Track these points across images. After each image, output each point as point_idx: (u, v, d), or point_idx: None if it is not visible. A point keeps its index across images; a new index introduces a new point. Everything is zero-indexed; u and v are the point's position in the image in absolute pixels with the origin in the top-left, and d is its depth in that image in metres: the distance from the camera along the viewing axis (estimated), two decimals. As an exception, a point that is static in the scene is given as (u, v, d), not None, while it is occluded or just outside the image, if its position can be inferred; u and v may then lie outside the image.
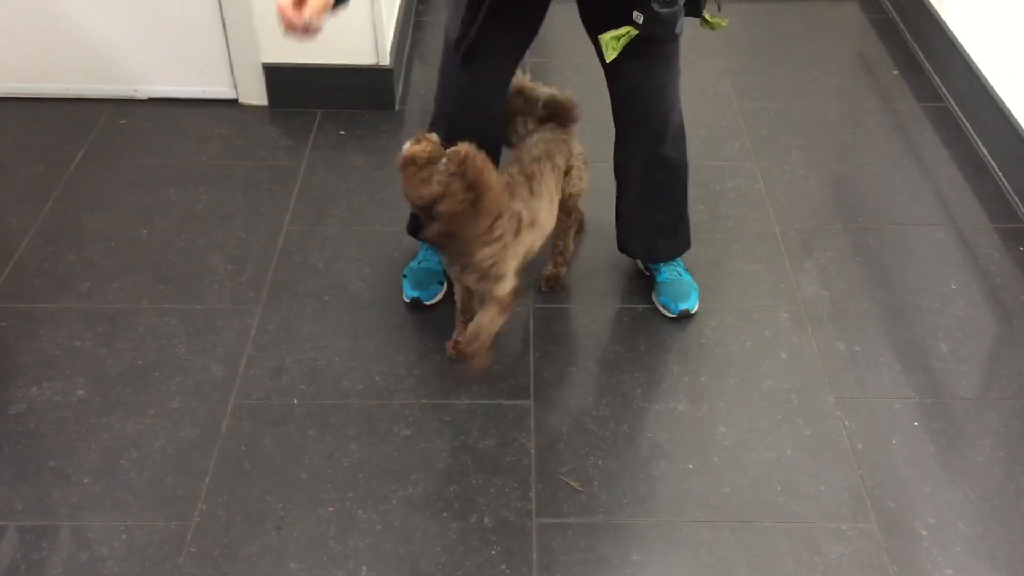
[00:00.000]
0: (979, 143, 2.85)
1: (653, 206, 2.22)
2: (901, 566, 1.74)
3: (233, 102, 2.98)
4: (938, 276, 2.39)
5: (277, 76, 2.92)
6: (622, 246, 2.32)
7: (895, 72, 3.23)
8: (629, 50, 1.88)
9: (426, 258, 2.30)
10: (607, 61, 1.91)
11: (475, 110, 2.04)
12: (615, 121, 2.14)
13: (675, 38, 1.91)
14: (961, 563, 1.75)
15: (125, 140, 2.83)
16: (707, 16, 1.93)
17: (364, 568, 1.73)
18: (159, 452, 1.92)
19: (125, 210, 2.56)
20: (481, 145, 1.93)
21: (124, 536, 1.77)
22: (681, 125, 2.15)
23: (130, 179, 2.67)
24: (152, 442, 1.94)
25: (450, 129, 1.99)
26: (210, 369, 2.10)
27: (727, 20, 1.94)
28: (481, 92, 2.03)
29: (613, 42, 1.86)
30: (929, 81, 3.16)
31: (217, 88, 2.97)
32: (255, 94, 2.96)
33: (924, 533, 1.79)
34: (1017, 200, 2.62)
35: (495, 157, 2.19)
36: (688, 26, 1.92)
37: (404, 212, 2.53)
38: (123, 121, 2.89)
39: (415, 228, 2.31)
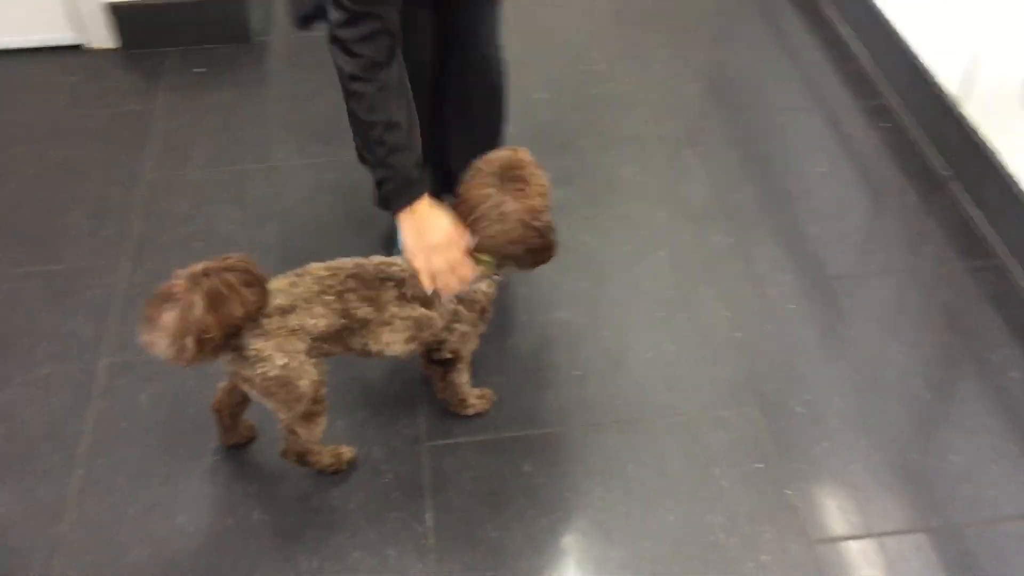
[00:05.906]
0: (839, 25, 2.86)
1: (472, 122, 2.03)
2: (780, 444, 1.79)
3: (79, 48, 2.82)
4: (810, 160, 2.42)
5: (124, 16, 2.76)
6: (445, 166, 2.03)
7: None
8: None
9: None
10: None
11: None
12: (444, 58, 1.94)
13: None
14: (835, 434, 1.81)
15: (-35, 99, 2.66)
16: None
17: (256, 512, 1.71)
18: (30, 422, 1.85)
19: (-28, 173, 2.42)
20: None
21: (2, 510, 1.71)
22: (503, 60, 1.98)
23: (-26, 140, 2.52)
24: (22, 412, 1.87)
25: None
26: (78, 331, 2.02)
27: None
28: None
29: None
30: (792, -35, 3.16)
31: (60, 34, 2.80)
32: (102, 37, 2.80)
33: (800, 411, 1.85)
34: (878, 77, 2.66)
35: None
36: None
37: (269, 147, 2.45)
38: (-39, 79, 2.72)
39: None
